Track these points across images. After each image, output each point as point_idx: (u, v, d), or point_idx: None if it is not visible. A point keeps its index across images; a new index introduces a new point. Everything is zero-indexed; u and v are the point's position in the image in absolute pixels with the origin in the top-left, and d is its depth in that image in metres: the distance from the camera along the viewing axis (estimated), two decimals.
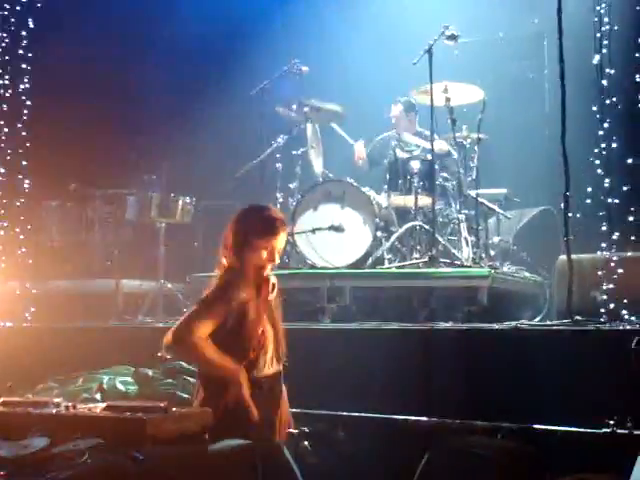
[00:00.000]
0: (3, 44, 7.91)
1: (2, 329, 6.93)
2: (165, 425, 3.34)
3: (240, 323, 3.98)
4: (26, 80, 7.88)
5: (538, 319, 6.44)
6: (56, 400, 3.52)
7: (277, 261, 4.09)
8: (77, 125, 8.56)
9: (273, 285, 4.19)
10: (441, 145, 7.61)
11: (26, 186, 7.75)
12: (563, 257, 6.16)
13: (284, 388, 4.29)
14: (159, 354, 5.87)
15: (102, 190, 8.37)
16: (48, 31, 8.37)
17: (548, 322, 6.18)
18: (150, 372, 5.52)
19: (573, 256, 5.94)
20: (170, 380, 5.46)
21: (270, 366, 4.12)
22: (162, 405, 3.45)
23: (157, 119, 9.32)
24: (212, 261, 8.12)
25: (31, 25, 7.96)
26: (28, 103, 7.85)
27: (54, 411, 3.40)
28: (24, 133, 7.85)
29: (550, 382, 4.95)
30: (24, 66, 7.89)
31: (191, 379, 5.44)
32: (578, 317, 5.74)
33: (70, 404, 3.48)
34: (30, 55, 7.90)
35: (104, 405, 3.47)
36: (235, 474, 3.51)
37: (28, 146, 7.79)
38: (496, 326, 5.91)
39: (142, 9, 9.12)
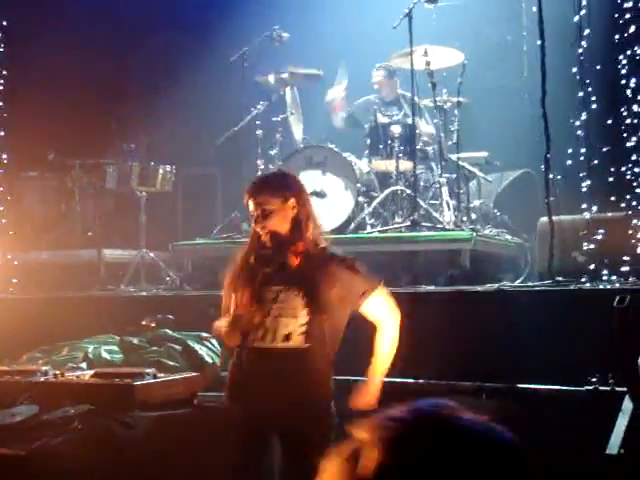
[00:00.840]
0: None
1: None
2: (154, 390, 3.38)
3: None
4: (1, 49, 7.81)
5: (520, 281, 6.48)
6: (44, 368, 3.54)
7: (262, 225, 3.79)
8: (55, 95, 8.49)
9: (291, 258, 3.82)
10: (427, 128, 7.67)
11: (4, 157, 7.71)
12: (544, 219, 6.21)
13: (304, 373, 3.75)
14: (143, 322, 5.92)
15: (81, 160, 8.32)
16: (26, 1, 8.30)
17: (530, 283, 6.22)
18: (135, 340, 5.53)
19: (554, 218, 6.00)
20: (155, 348, 5.47)
21: (262, 341, 3.69)
22: (150, 371, 3.48)
23: (136, 88, 9.27)
24: (193, 229, 8.20)
25: None
26: (4, 73, 7.78)
27: (42, 379, 3.43)
28: (0, 104, 7.80)
29: (533, 342, 5.01)
30: (2, 42, 7.82)
31: (176, 346, 5.46)
32: (560, 278, 5.80)
33: (58, 372, 3.50)
34: (5, 23, 7.82)
35: (92, 372, 3.49)
36: (224, 440, 3.53)
37: (5, 116, 7.75)
38: (479, 288, 5.96)
39: None
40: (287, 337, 3.62)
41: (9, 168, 7.80)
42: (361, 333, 3.98)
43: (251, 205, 3.84)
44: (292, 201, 3.80)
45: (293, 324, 3.64)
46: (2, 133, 7.73)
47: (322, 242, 3.93)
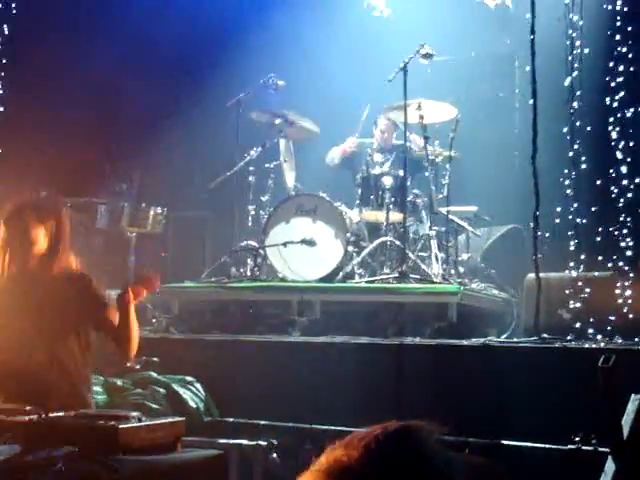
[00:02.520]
0: None
1: None
2: (138, 434, 3.35)
3: None
4: None
5: (505, 336, 6.50)
6: (27, 408, 3.51)
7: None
8: (47, 133, 8.51)
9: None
10: (418, 140, 7.72)
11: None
12: (531, 275, 6.24)
13: None
14: (128, 364, 5.90)
15: (73, 198, 8.33)
16: (21, 37, 8.35)
17: (516, 339, 6.24)
18: (120, 382, 5.51)
19: (541, 275, 6.04)
20: (140, 390, 5.47)
21: None
22: (135, 414, 3.46)
23: (130, 128, 9.30)
24: (182, 272, 8.19)
25: (5, 31, 7.95)
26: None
27: (26, 418, 3.39)
28: None
29: (517, 399, 5.01)
30: None
31: (161, 390, 5.46)
32: (545, 335, 5.82)
33: (42, 412, 3.47)
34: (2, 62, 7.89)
35: (75, 413, 3.47)
36: None
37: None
38: (465, 342, 5.97)
39: (117, 19, 9.12)
40: None
41: (0, 203, 7.79)
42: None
43: None
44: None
45: None
46: None
47: None
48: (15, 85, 8.24)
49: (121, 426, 3.29)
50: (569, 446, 4.58)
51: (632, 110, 6.31)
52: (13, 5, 7.98)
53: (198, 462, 3.52)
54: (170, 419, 3.80)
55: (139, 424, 3.39)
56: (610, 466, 4.15)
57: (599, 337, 5.71)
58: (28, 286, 4.07)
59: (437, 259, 7.31)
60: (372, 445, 1.33)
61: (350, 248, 7.37)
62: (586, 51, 6.43)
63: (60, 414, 3.46)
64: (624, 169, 6.26)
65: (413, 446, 1.34)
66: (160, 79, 9.43)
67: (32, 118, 8.54)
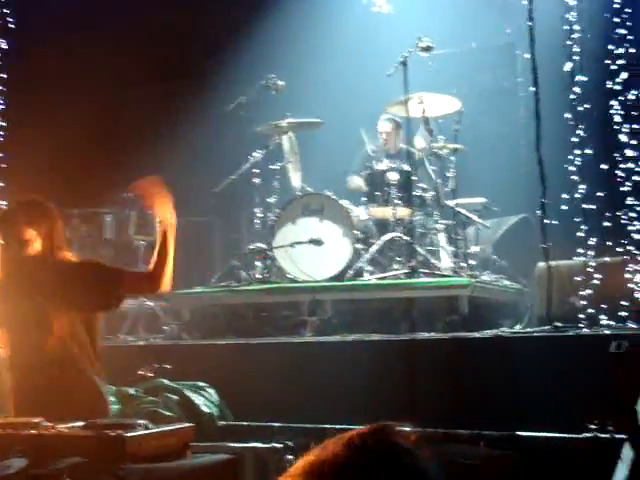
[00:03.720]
0: None
1: None
2: (146, 442, 3.34)
3: None
4: (1, 101, 7.87)
5: (519, 327, 6.46)
6: (36, 420, 3.50)
7: None
8: (53, 144, 8.52)
9: None
10: (422, 142, 7.70)
11: (2, 204, 7.72)
12: (542, 264, 6.21)
13: None
14: (140, 372, 5.89)
15: (79, 209, 8.33)
16: (26, 48, 8.36)
17: (529, 329, 6.20)
18: (132, 390, 5.50)
19: (551, 263, 6.01)
20: (152, 398, 5.44)
21: None
22: (142, 422, 3.44)
23: (132, 136, 9.31)
24: (191, 277, 8.18)
25: (4, 46, 7.95)
26: (3, 124, 7.83)
27: (32, 431, 3.38)
28: (0, 154, 7.84)
29: (532, 388, 4.99)
30: (2, 88, 7.89)
31: (173, 396, 5.44)
32: (558, 323, 5.79)
33: (50, 423, 3.46)
34: (5, 75, 7.89)
35: (84, 423, 3.45)
36: None
37: (4, 167, 7.78)
38: (477, 335, 5.94)
39: (117, 27, 9.13)
40: None
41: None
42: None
43: None
44: None
45: None
46: (1, 183, 7.77)
47: None
48: (18, 97, 8.24)
49: (128, 435, 3.27)
50: (585, 434, 4.54)
51: (635, 92, 6.24)
52: (10, 20, 7.97)
53: (208, 467, 3.50)
54: (178, 425, 3.78)
55: (146, 432, 3.37)
56: (627, 453, 4.11)
57: (611, 323, 5.67)
58: (31, 275, 4.15)
59: (447, 252, 7.28)
60: (355, 441, 1.40)
61: (358, 246, 7.33)
62: (587, 36, 6.39)
63: (68, 425, 3.45)
64: (629, 152, 6.21)
65: (391, 444, 1.41)
66: (161, 85, 9.45)
67: (35, 131, 8.54)
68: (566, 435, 4.64)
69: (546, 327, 5.85)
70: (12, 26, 7.95)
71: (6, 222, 4.21)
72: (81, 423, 3.44)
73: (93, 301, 4.19)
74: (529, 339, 5.74)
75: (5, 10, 7.92)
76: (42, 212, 4.25)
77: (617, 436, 4.41)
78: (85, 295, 4.14)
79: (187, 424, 3.76)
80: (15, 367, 4.17)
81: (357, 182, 8.08)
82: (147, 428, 3.40)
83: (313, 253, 7.32)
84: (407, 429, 1.44)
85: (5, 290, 4.21)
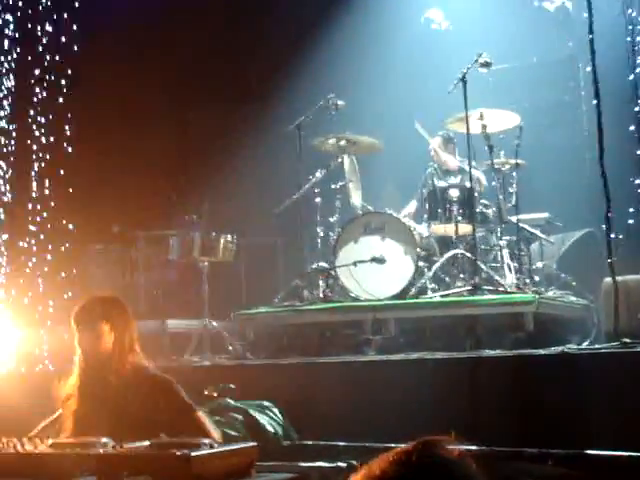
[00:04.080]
0: (41, 95, 8.10)
1: (52, 372, 7.01)
2: (211, 462, 3.35)
3: None
4: (67, 128, 8.06)
5: (586, 343, 6.37)
6: (103, 440, 3.54)
7: None
8: (117, 169, 8.69)
9: None
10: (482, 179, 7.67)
11: (70, 228, 7.90)
12: (608, 279, 6.11)
13: None
14: (206, 392, 5.93)
15: (145, 232, 8.46)
16: (85, 74, 8.52)
17: (596, 346, 6.10)
18: None
19: (618, 277, 5.91)
20: (217, 418, 5.47)
21: None
22: (207, 442, 3.47)
23: (195, 160, 9.43)
24: (255, 297, 8.24)
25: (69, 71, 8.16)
26: (69, 150, 8.02)
27: (101, 451, 3.43)
28: (67, 179, 8.02)
29: (600, 406, 4.90)
30: (68, 115, 8.09)
31: (238, 416, 5.47)
32: (626, 339, 5.67)
33: (117, 443, 3.50)
34: (68, 104, 8.10)
35: (149, 443, 3.48)
36: None
37: (71, 191, 7.95)
38: (543, 352, 5.87)
39: (177, 51, 9.27)
40: None
41: (75, 241, 7.98)
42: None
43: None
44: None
45: None
46: (68, 207, 7.96)
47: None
48: (83, 124, 8.42)
49: (193, 454, 3.29)
50: None
51: None
52: (75, 47, 8.17)
53: None
54: (243, 445, 3.80)
55: (211, 451, 3.39)
56: None
57: None
58: (104, 391, 4.14)
59: (510, 269, 7.22)
60: (401, 457, 1.45)
61: (421, 263, 7.31)
62: None
63: (134, 444, 3.49)
64: None
65: (436, 457, 1.46)
66: (223, 107, 9.56)
67: (100, 156, 8.72)
68: (636, 454, 4.55)
69: (614, 343, 5.74)
70: (76, 48, 8.16)
71: (84, 314, 4.23)
72: (147, 442, 3.47)
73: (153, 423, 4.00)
74: (596, 355, 5.64)
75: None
76: (118, 309, 4.31)
77: None
78: (144, 415, 4.02)
79: (251, 443, 3.77)
80: None
81: (410, 209, 8.11)
82: (212, 447, 3.42)
83: (375, 271, 7.32)
84: (450, 443, 1.48)
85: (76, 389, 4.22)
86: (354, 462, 5.07)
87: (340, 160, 8.02)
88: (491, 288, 6.96)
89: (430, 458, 1.44)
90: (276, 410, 5.60)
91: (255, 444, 3.74)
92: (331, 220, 7.87)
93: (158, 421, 3.99)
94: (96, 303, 4.29)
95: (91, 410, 4.15)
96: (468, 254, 7.23)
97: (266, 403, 5.64)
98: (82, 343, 4.23)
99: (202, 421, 4.17)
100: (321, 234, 7.85)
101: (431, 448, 1.45)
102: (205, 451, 3.37)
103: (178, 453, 3.32)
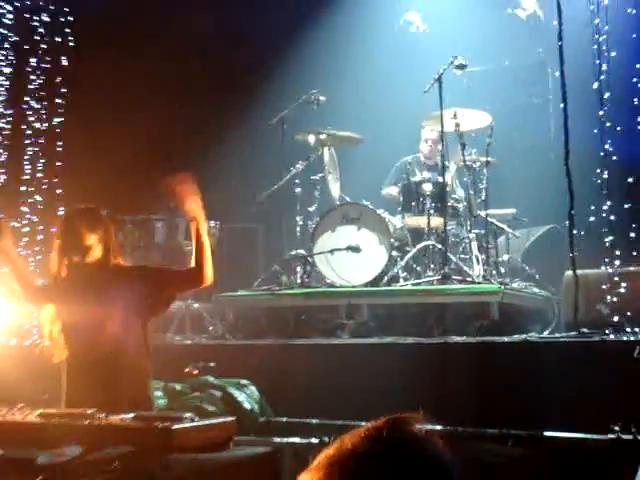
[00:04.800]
0: (39, 81, 8.07)
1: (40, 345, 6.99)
2: (191, 434, 3.39)
3: None
4: (61, 116, 8.05)
5: (547, 332, 6.44)
6: (89, 411, 3.56)
7: None
8: (107, 157, 8.65)
9: None
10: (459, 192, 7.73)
11: (61, 213, 7.87)
12: (569, 272, 6.18)
13: None
14: (186, 369, 5.96)
15: (132, 216, 8.43)
16: (83, 65, 8.48)
17: (556, 335, 6.18)
18: (178, 386, 5.57)
19: (579, 271, 5.99)
20: (197, 394, 5.51)
21: None
22: (188, 415, 3.49)
23: (182, 150, 9.41)
24: (235, 281, 8.25)
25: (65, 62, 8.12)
26: (61, 137, 8.01)
27: (87, 422, 3.45)
28: (59, 164, 8.00)
29: (558, 391, 4.97)
30: (58, 101, 8.05)
31: (217, 393, 5.49)
32: (584, 329, 5.76)
33: (102, 415, 3.52)
34: (64, 90, 8.06)
35: (133, 415, 3.51)
36: None
37: (60, 177, 7.94)
38: (506, 339, 5.94)
39: (171, 43, 9.23)
40: None
41: None
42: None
43: None
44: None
45: None
46: (59, 191, 7.94)
47: None
48: (75, 113, 8.40)
49: (175, 427, 3.33)
50: (609, 435, 4.52)
51: None
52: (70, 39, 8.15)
53: (248, 459, 3.54)
54: (222, 419, 3.83)
55: (192, 424, 3.42)
56: None
57: (636, 330, 5.63)
58: (89, 278, 4.21)
59: (478, 260, 7.27)
60: (372, 432, 1.46)
61: (394, 253, 7.35)
62: (613, 54, 6.37)
63: (118, 416, 3.51)
64: None
65: (406, 434, 1.46)
66: (207, 102, 9.54)
67: (91, 144, 8.68)
68: (590, 435, 4.62)
69: (573, 333, 5.83)
70: (72, 44, 8.13)
71: (69, 228, 4.25)
72: (131, 415, 3.49)
73: (145, 303, 4.25)
74: (556, 344, 5.72)
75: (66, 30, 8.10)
76: (99, 219, 4.33)
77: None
78: (137, 298, 4.20)
79: (230, 418, 3.80)
80: (70, 365, 4.23)
81: (392, 192, 8.13)
82: (192, 421, 3.45)
83: (351, 259, 7.36)
84: (419, 420, 1.49)
85: (65, 293, 4.26)
86: (326, 438, 5.11)
87: (320, 153, 8.05)
88: (459, 278, 7.01)
89: (400, 434, 1.45)
90: (253, 388, 5.63)
91: (233, 419, 3.78)
92: (310, 210, 7.89)
93: (144, 303, 4.22)
94: (79, 217, 4.29)
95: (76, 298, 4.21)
96: (439, 245, 7.28)
97: (244, 381, 5.67)
98: (70, 257, 4.24)
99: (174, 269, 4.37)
100: (300, 223, 7.87)
101: (401, 425, 1.46)
102: (186, 424, 3.40)
103: (160, 426, 3.35)
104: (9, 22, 8.03)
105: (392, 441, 1.44)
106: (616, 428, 4.48)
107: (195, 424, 3.45)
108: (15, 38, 8.04)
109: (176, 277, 4.54)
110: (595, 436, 4.59)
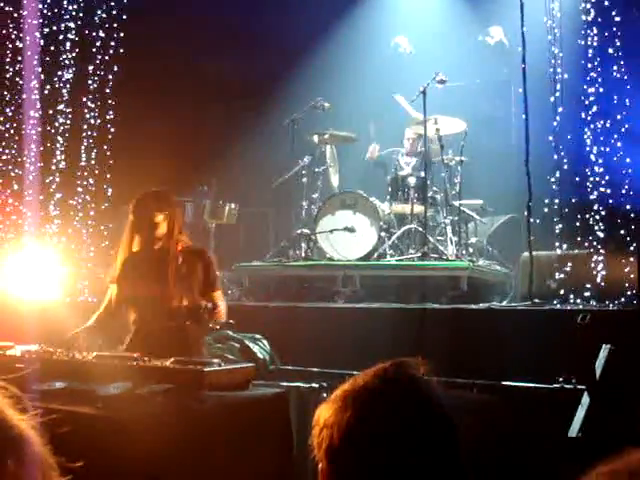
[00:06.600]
0: (90, 81, 8.08)
1: (90, 302, 7.08)
2: (219, 376, 3.46)
3: None
4: (111, 112, 8.09)
5: (506, 302, 6.51)
6: (135, 355, 3.64)
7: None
8: (147, 148, 8.67)
9: None
10: (434, 148, 7.72)
11: (109, 194, 7.95)
12: (525, 254, 6.25)
13: None
14: (210, 325, 6.02)
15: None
16: (134, 65, 8.45)
17: (513, 304, 6.26)
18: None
19: (533, 253, 6.05)
20: (219, 345, 5.56)
21: None
22: (216, 361, 3.57)
23: (210, 144, 9.44)
24: (250, 254, 8.32)
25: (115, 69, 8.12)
26: (111, 131, 8.05)
27: (135, 363, 3.52)
28: (109, 153, 8.04)
29: (515, 349, 5.03)
30: (110, 102, 8.09)
31: (235, 344, 5.54)
32: (536, 300, 5.83)
33: (147, 358, 3.59)
34: (112, 94, 8.09)
35: (172, 359, 3.58)
36: (271, 416, 3.60)
37: (112, 163, 7.99)
38: (473, 306, 6.01)
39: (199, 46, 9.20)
40: None
41: (112, 202, 8.04)
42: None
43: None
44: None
45: None
46: (108, 175, 8.01)
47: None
48: (121, 110, 8.41)
49: (206, 369, 3.40)
50: (555, 385, 4.60)
51: (601, 122, 6.31)
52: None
53: (264, 397, 3.60)
54: (244, 364, 3.90)
55: (220, 368, 3.49)
56: (585, 400, 4.20)
57: (578, 301, 5.72)
58: (155, 260, 4.15)
59: (451, 242, 7.33)
60: (380, 372, 1.51)
61: (382, 234, 7.41)
62: (565, 76, 6.44)
63: (160, 361, 3.57)
64: (596, 169, 6.27)
65: (409, 373, 1.52)
66: (231, 107, 9.56)
67: (134, 138, 8.68)
68: (540, 385, 4.70)
69: (527, 303, 5.90)
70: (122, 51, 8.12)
71: (140, 207, 4.15)
72: (172, 359, 3.56)
73: (199, 281, 4.25)
74: (514, 311, 5.79)
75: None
76: (168, 200, 4.25)
77: (579, 387, 4.48)
78: (193, 277, 4.22)
79: (249, 364, 3.88)
80: (137, 332, 4.21)
81: (372, 151, 8.15)
82: (220, 365, 3.52)
83: (347, 238, 7.41)
84: (419, 365, 1.56)
85: (133, 267, 4.19)
86: (324, 384, 5.19)
87: (323, 149, 8.10)
88: (436, 256, 7.07)
89: (404, 374, 1.50)
90: (265, 341, 5.67)
91: (252, 364, 3.86)
92: (314, 196, 7.94)
93: (192, 284, 4.16)
94: (150, 198, 4.19)
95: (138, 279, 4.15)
96: (420, 229, 7.33)
97: (257, 336, 5.70)
98: (140, 232, 4.16)
99: (217, 297, 4.31)
100: (305, 207, 7.91)
101: (405, 367, 1.52)
102: (215, 367, 3.48)
103: (195, 368, 3.43)
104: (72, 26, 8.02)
105: (396, 380, 1.49)
106: (560, 379, 4.56)
107: (222, 368, 3.52)
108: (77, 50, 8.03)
109: (206, 286, 4.34)
110: (544, 385, 4.67)
